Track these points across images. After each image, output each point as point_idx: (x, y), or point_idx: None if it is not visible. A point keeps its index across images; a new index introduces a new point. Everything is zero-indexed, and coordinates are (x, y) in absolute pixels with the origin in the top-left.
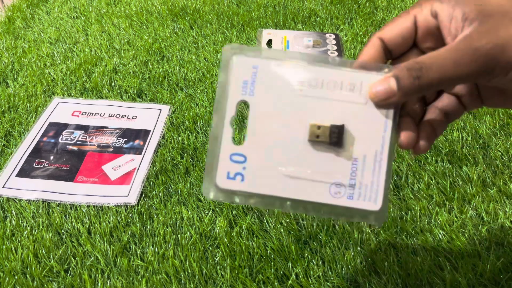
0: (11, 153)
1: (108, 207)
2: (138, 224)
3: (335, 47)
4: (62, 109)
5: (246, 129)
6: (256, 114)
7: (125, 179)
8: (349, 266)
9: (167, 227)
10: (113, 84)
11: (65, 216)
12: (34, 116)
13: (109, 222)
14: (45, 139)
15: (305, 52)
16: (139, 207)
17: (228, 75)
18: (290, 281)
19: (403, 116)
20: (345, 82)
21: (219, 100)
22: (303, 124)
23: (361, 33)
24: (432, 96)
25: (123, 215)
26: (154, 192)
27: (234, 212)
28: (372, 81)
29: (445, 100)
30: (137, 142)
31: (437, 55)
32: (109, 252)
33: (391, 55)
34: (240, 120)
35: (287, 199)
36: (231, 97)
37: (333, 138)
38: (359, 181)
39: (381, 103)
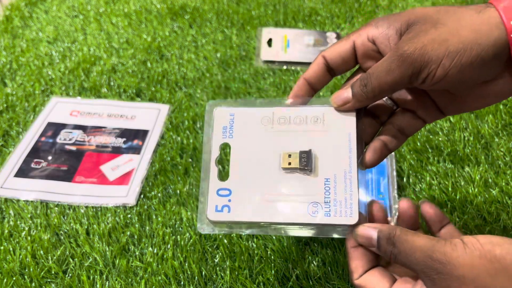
0: (9, 153)
1: (107, 207)
2: (137, 225)
3: None
4: (61, 109)
5: (229, 166)
6: (236, 153)
7: (123, 179)
8: None
9: (166, 228)
10: (111, 83)
11: (63, 216)
12: (32, 116)
13: (107, 223)
14: (43, 139)
15: (270, 99)
16: (138, 208)
17: (211, 125)
18: (290, 283)
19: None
20: (309, 116)
21: (205, 145)
22: (277, 155)
23: None
24: (386, 114)
25: (121, 215)
26: (153, 193)
27: None
28: (331, 111)
29: (400, 116)
30: (136, 142)
31: (376, 65)
32: (107, 253)
33: (334, 73)
34: (224, 159)
35: (271, 223)
36: (215, 141)
37: (303, 162)
38: (333, 198)
39: (341, 108)
